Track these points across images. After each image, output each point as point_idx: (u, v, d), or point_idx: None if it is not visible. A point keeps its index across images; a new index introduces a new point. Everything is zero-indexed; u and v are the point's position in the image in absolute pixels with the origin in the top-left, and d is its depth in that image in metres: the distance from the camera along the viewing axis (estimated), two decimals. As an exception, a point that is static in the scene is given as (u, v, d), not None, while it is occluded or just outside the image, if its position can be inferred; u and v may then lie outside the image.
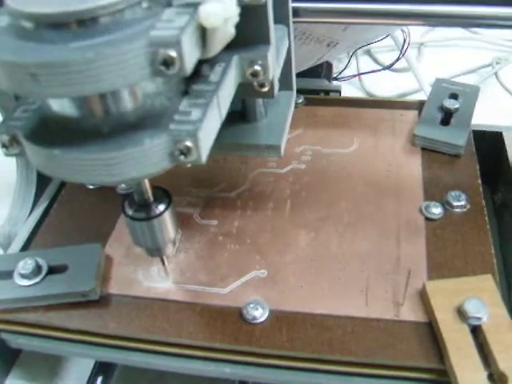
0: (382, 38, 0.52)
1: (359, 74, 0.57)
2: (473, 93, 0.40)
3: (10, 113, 0.23)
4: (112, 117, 0.21)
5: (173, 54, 0.18)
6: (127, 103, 0.21)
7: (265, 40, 0.25)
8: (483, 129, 0.41)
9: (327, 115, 0.41)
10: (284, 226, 0.33)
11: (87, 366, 0.35)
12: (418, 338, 0.27)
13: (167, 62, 0.18)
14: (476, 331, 0.27)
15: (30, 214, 0.40)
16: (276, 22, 0.28)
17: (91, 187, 0.38)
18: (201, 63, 0.24)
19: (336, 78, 0.56)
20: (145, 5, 0.19)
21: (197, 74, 0.23)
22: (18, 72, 0.18)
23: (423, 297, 0.28)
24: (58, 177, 0.22)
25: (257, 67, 0.25)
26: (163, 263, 0.30)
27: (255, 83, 0.27)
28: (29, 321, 0.31)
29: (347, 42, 0.41)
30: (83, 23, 0.18)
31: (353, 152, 0.38)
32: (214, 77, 0.23)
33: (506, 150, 0.40)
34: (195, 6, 0.19)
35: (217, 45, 0.20)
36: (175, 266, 0.32)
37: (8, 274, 0.32)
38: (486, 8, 0.33)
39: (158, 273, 0.32)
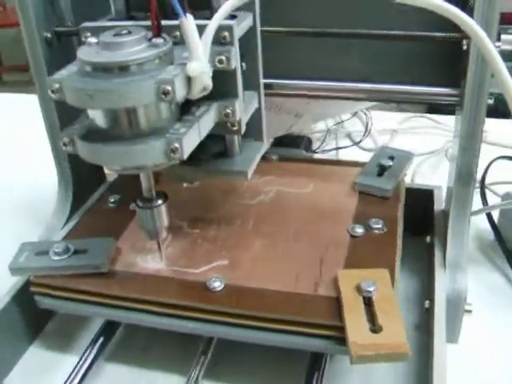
0: (347, 118, 0.68)
1: (336, 149, 0.73)
2: (406, 156, 0.55)
3: (69, 126, 0.38)
4: (134, 128, 0.36)
5: (169, 87, 0.33)
6: (143, 123, 0.36)
7: (234, 95, 0.41)
8: (419, 187, 0.56)
9: (293, 168, 0.56)
10: (246, 235, 0.47)
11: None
12: (327, 306, 0.40)
13: (165, 93, 0.33)
14: (370, 302, 0.39)
15: (64, 225, 0.54)
16: (249, 89, 0.44)
17: (111, 205, 0.53)
18: (191, 105, 0.39)
19: (315, 151, 0.71)
20: (157, 61, 0.35)
21: (188, 111, 0.39)
22: (82, 93, 0.33)
23: (336, 280, 0.41)
24: (97, 162, 0.37)
25: (228, 110, 0.40)
26: (159, 247, 0.44)
27: (228, 123, 0.42)
28: (55, 284, 0.44)
29: (311, 115, 0.56)
30: (120, 68, 0.34)
31: (307, 192, 0.52)
32: (198, 113, 0.39)
33: (433, 203, 0.54)
34: (185, 64, 0.35)
35: (197, 88, 0.35)
36: (165, 255, 0.46)
37: (46, 253, 0.46)
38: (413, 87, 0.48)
39: (151, 259, 0.46)
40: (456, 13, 0.36)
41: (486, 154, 0.73)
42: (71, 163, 0.56)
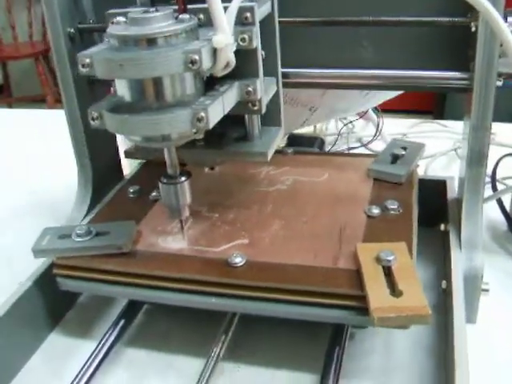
0: (358, 116, 0.70)
1: (347, 150, 0.75)
2: (418, 147, 0.57)
3: (97, 102, 0.40)
4: (161, 99, 0.38)
5: (196, 57, 0.35)
6: (169, 95, 0.38)
7: (255, 74, 0.43)
8: (432, 178, 0.58)
9: (308, 160, 0.58)
10: (265, 217, 0.49)
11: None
12: (348, 277, 0.41)
13: (193, 62, 0.35)
14: (389, 272, 0.40)
15: (85, 216, 0.56)
16: (268, 74, 0.46)
17: (131, 196, 0.55)
18: (214, 83, 0.41)
19: (328, 151, 0.73)
20: (183, 35, 0.37)
21: (212, 88, 0.41)
22: (113, 63, 0.35)
23: (355, 254, 0.43)
24: (124, 133, 0.38)
25: (249, 89, 0.42)
26: (181, 224, 0.46)
27: (249, 103, 0.44)
28: (78, 264, 0.46)
29: (324, 109, 0.58)
30: (148, 41, 0.36)
31: (322, 180, 0.54)
32: (221, 89, 0.41)
33: (446, 193, 0.56)
34: (210, 39, 0.37)
35: (222, 61, 0.38)
36: (186, 235, 0.47)
37: (68, 236, 0.47)
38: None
39: (172, 240, 0.47)
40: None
41: (494, 154, 0.76)
42: (91, 160, 0.58)
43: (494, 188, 0.64)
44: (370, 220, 0.47)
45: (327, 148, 0.75)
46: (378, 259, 0.41)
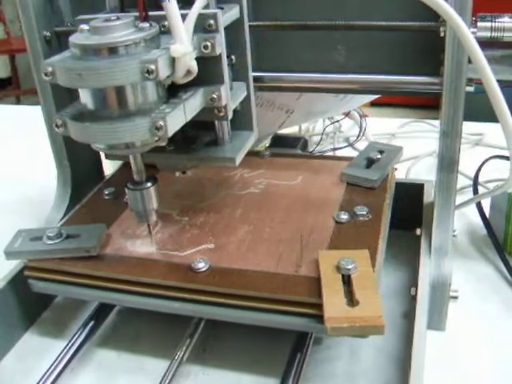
0: (341, 118, 0.71)
1: (332, 150, 0.75)
2: (395, 151, 0.57)
3: (62, 110, 0.41)
4: (121, 108, 0.39)
5: (152, 67, 0.36)
6: (130, 104, 0.39)
7: (220, 80, 0.44)
8: (410, 181, 0.58)
9: (284, 163, 0.59)
10: (233, 222, 0.50)
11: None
12: (307, 285, 0.42)
13: (149, 71, 0.36)
14: (349, 280, 0.41)
15: (63, 216, 0.57)
16: (239, 79, 0.47)
17: (106, 198, 0.56)
18: (179, 90, 0.42)
19: (311, 152, 0.74)
20: (143, 44, 0.38)
21: (175, 95, 0.42)
22: (72, 73, 0.37)
23: (317, 261, 0.43)
24: (86, 141, 0.39)
25: (214, 95, 0.43)
26: (149, 229, 0.47)
27: (215, 109, 0.44)
28: (48, 267, 0.47)
29: (301, 111, 0.59)
30: (108, 50, 0.37)
31: (296, 184, 0.55)
32: (184, 97, 0.42)
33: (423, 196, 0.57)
34: (169, 47, 0.38)
35: (181, 69, 0.38)
36: (154, 239, 0.48)
37: (40, 238, 0.49)
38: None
39: (140, 243, 0.48)
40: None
41: (481, 155, 0.76)
42: (70, 161, 0.59)
43: (475, 191, 0.64)
44: (338, 226, 0.48)
45: (312, 148, 0.76)
46: (338, 267, 0.42)
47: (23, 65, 3.34)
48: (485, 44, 0.45)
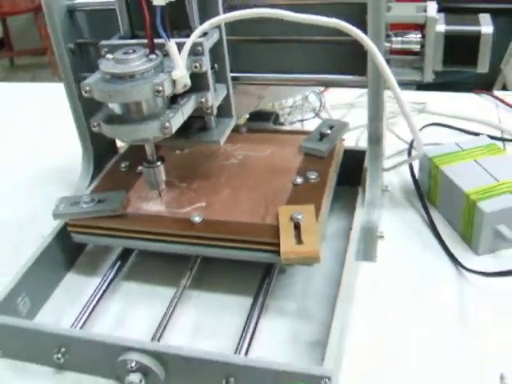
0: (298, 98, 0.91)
1: (300, 121, 0.95)
2: (342, 126, 0.77)
3: (95, 114, 0.61)
4: (139, 114, 0.58)
5: (160, 88, 0.55)
6: (145, 111, 0.59)
7: (207, 88, 0.63)
8: (356, 148, 0.78)
9: (258, 138, 0.79)
10: (219, 186, 0.70)
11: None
12: (271, 230, 0.62)
13: (158, 91, 0.56)
14: (298, 227, 0.62)
15: (88, 185, 0.77)
16: (221, 82, 0.67)
17: (123, 169, 0.76)
18: (178, 97, 0.61)
19: (282, 124, 0.94)
20: (152, 71, 0.57)
21: (176, 101, 0.61)
22: (104, 93, 0.56)
23: (277, 214, 0.64)
24: (115, 137, 0.60)
25: (202, 99, 0.63)
26: (159, 194, 0.67)
27: (204, 108, 0.64)
28: (85, 224, 0.68)
29: (269, 96, 0.79)
30: (129, 76, 0.56)
31: (266, 155, 0.75)
32: (182, 102, 0.61)
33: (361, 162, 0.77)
34: (171, 71, 0.57)
35: (180, 86, 0.58)
36: (162, 201, 0.69)
37: (77, 203, 0.69)
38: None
39: (152, 204, 0.69)
40: (351, 29, 0.58)
41: (424, 121, 0.96)
42: (92, 140, 0.78)
43: (409, 154, 0.85)
44: (295, 187, 0.68)
45: (283, 119, 0.96)
46: (292, 218, 0.62)
47: (15, 27, 3.47)
48: (398, 52, 0.65)
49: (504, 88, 2.70)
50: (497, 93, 1.09)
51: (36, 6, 3.02)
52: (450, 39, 0.63)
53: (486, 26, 0.63)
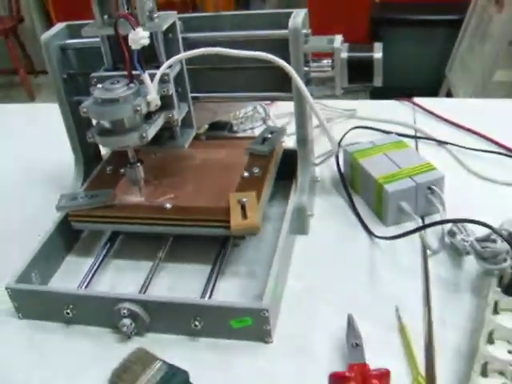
0: (249, 110, 1.15)
1: (250, 129, 1.18)
2: (281, 131, 1.01)
3: (90, 128, 0.83)
4: (123, 127, 0.81)
5: (139, 108, 0.78)
6: (127, 125, 0.81)
7: (173, 107, 0.86)
8: (292, 148, 1.02)
9: (215, 144, 1.02)
10: (185, 182, 0.93)
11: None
12: (224, 211, 0.84)
13: (137, 110, 0.78)
14: (243, 208, 0.84)
15: (81, 185, 0.99)
16: (183, 101, 0.90)
17: (108, 173, 0.98)
18: (151, 114, 0.84)
19: (236, 131, 1.17)
20: (132, 96, 0.79)
21: (150, 117, 0.84)
22: (97, 113, 0.79)
23: (229, 199, 0.87)
24: (106, 146, 0.83)
25: (170, 115, 0.86)
26: (139, 189, 0.89)
27: (171, 121, 0.87)
28: (82, 213, 0.90)
29: (222, 111, 1.02)
30: (115, 100, 0.78)
31: (221, 156, 0.98)
32: (154, 118, 0.84)
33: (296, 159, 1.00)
34: (146, 96, 0.80)
35: (153, 106, 0.80)
36: (141, 194, 0.91)
37: (75, 198, 0.91)
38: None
39: (134, 196, 0.91)
40: (274, 59, 0.82)
41: (352, 125, 1.20)
42: (82, 152, 1.00)
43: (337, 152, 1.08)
44: (242, 179, 0.91)
45: (237, 127, 1.19)
46: (239, 201, 0.85)
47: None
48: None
49: (449, 92, 3.00)
50: (416, 99, 1.33)
51: (6, 28, 3.20)
52: (353, 63, 0.87)
53: (377, 53, 0.86)
